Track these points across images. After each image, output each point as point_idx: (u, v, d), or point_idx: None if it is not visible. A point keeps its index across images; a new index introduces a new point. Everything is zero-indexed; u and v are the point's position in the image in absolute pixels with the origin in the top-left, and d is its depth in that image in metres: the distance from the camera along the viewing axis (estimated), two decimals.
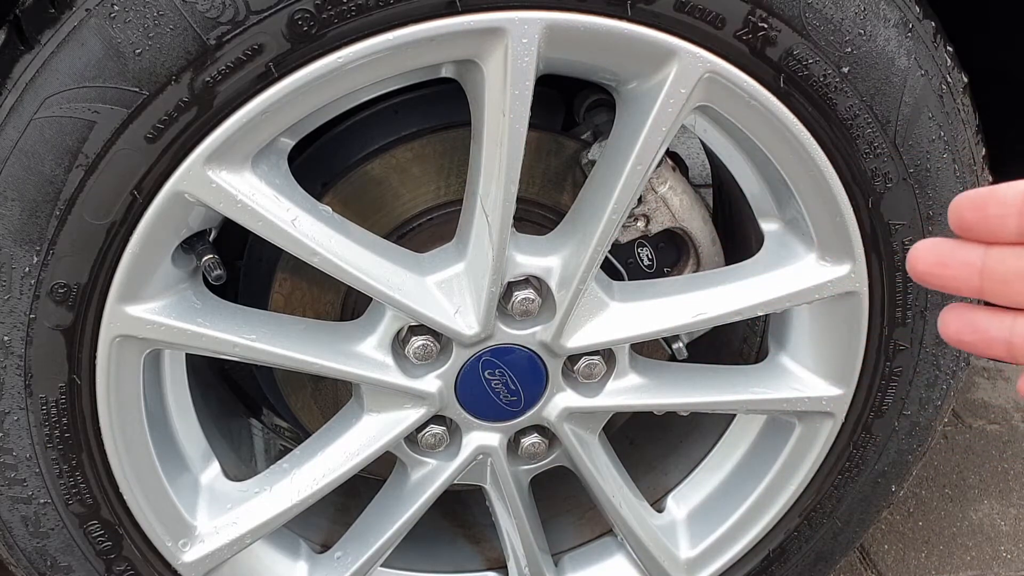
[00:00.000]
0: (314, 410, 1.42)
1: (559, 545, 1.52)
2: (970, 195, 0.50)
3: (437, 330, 1.21)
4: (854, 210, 1.21)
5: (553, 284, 1.21)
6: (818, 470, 1.40)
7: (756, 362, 1.43)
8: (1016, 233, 0.49)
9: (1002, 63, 1.31)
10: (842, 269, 1.25)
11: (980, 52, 1.25)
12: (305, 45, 1.02)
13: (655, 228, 1.31)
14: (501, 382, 1.26)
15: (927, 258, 0.52)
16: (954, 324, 0.52)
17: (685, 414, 1.51)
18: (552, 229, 1.24)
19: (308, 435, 1.35)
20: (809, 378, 1.35)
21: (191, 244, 1.15)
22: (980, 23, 1.29)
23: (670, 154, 1.32)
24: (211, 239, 1.18)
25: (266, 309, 1.31)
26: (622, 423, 1.56)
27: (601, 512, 1.42)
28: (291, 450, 1.32)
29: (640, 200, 1.28)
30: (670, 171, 1.30)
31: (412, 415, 1.27)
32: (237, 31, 1.00)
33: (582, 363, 1.29)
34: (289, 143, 1.14)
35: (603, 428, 1.38)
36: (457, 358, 1.24)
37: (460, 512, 1.59)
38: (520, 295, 1.21)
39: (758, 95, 1.13)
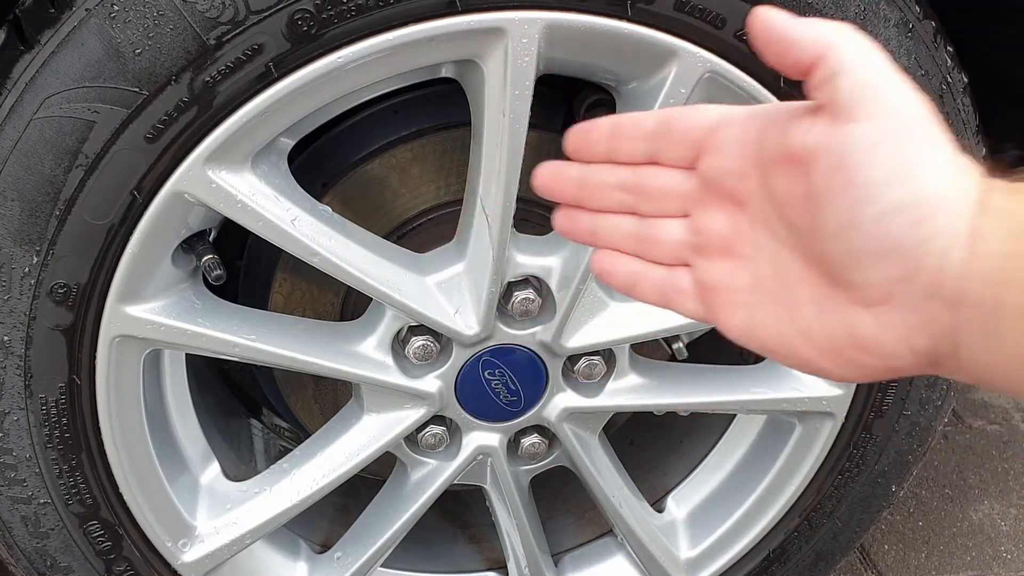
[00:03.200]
0: (314, 410, 1.42)
1: (559, 545, 1.52)
2: (578, 127, 0.66)
3: (437, 330, 1.21)
4: None
5: (553, 284, 1.20)
6: (818, 470, 1.40)
7: (756, 362, 1.43)
8: (604, 154, 0.66)
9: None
10: None
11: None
12: (305, 45, 1.01)
13: None
14: (501, 382, 1.26)
15: (544, 174, 0.67)
16: (563, 221, 0.69)
17: (685, 414, 1.51)
18: (552, 229, 1.23)
19: (308, 435, 1.35)
20: (809, 378, 1.35)
21: (191, 244, 1.15)
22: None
23: None
24: (211, 239, 1.18)
25: (266, 309, 1.31)
26: (622, 423, 1.55)
27: (601, 512, 1.42)
28: (291, 450, 1.32)
29: None
30: None
31: (412, 415, 1.27)
32: (237, 31, 1.00)
33: (582, 363, 1.29)
34: (289, 143, 1.14)
35: (603, 428, 1.38)
36: (457, 358, 1.24)
37: (460, 512, 1.59)
38: (520, 295, 1.21)
39: (759, 95, 1.12)
